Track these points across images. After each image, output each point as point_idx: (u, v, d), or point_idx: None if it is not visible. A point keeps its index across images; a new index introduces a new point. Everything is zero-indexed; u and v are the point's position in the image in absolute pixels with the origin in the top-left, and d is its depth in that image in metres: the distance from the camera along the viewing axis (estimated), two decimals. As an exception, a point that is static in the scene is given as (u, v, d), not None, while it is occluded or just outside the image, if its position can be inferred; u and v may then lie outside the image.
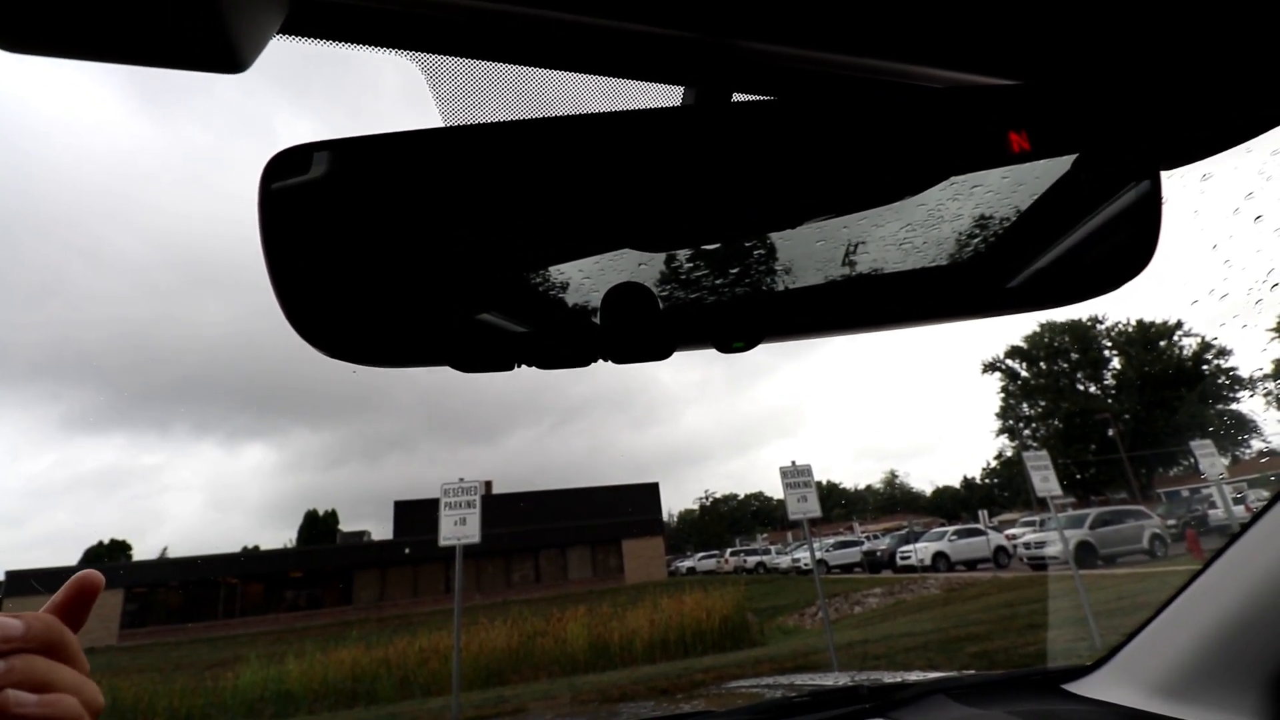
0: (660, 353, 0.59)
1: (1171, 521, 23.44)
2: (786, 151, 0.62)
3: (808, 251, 0.63)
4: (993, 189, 0.67)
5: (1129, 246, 0.65)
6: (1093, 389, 49.02)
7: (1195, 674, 1.10)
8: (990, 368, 53.31)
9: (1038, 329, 50.12)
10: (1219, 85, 0.72)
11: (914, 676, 1.83)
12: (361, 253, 0.58)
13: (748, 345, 0.60)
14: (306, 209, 0.58)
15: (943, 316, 0.69)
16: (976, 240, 0.70)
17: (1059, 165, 0.65)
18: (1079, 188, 0.65)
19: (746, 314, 0.61)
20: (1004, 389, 52.65)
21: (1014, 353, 51.95)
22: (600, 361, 0.57)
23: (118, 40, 0.50)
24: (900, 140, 0.63)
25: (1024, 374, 51.82)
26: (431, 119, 0.68)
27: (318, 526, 57.22)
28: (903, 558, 26.69)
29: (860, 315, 0.65)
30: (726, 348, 0.60)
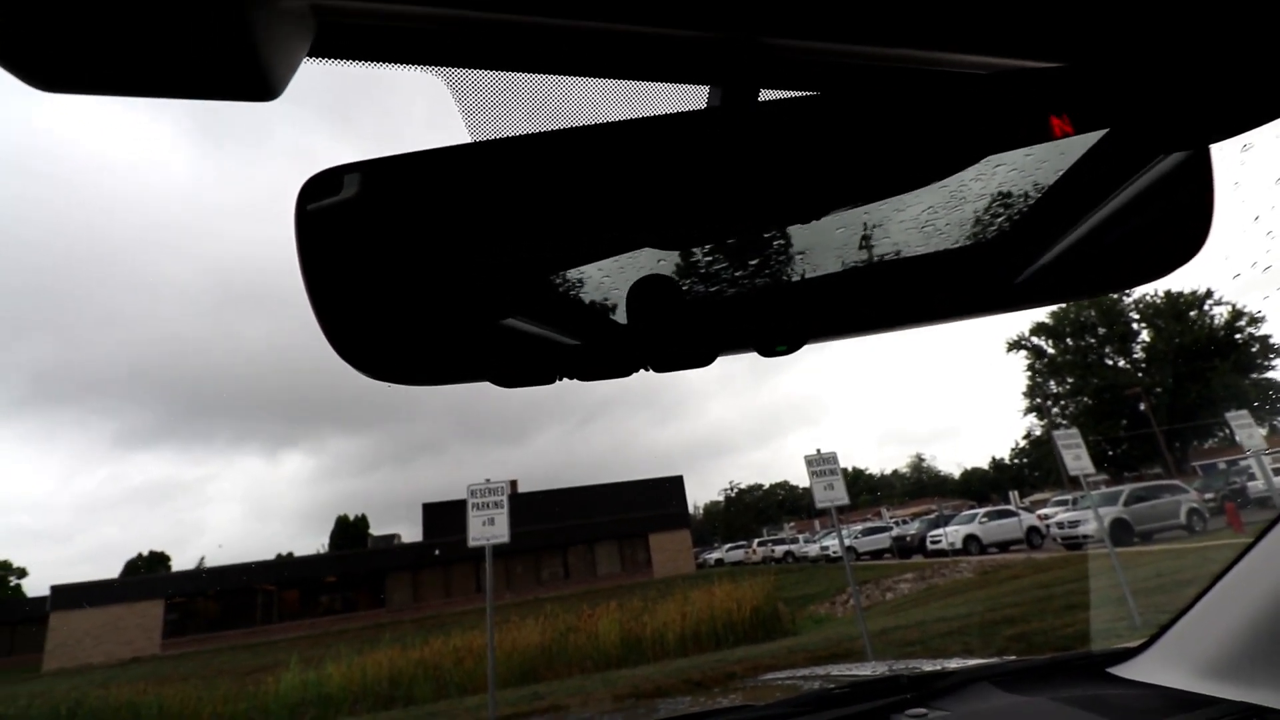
0: (702, 359, 0.58)
1: (1209, 495, 22.94)
2: (817, 148, 0.61)
3: (847, 247, 0.62)
4: (1030, 171, 0.65)
5: (1179, 227, 0.63)
6: (1122, 363, 48.03)
7: (1248, 652, 1.07)
8: (1015, 345, 52.47)
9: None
10: (1269, 51, 0.69)
11: (953, 664, 1.80)
12: (397, 272, 0.58)
13: (791, 348, 0.59)
14: (341, 231, 0.58)
15: (984, 309, 0.67)
16: (1015, 225, 0.68)
17: (1102, 144, 0.63)
18: (1123, 167, 0.63)
19: (789, 316, 0.61)
20: (1030, 367, 51.82)
21: (1039, 329, 51.09)
22: (643, 371, 0.57)
23: (146, 74, 0.50)
24: (937, 129, 0.62)
25: (1050, 351, 50.93)
26: (459, 132, 0.68)
27: (349, 531, 58.11)
28: (933, 542, 26.48)
29: (904, 311, 0.64)
30: (770, 351, 0.59)
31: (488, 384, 0.60)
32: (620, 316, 0.58)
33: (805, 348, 0.60)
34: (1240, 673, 1.07)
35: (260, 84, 0.52)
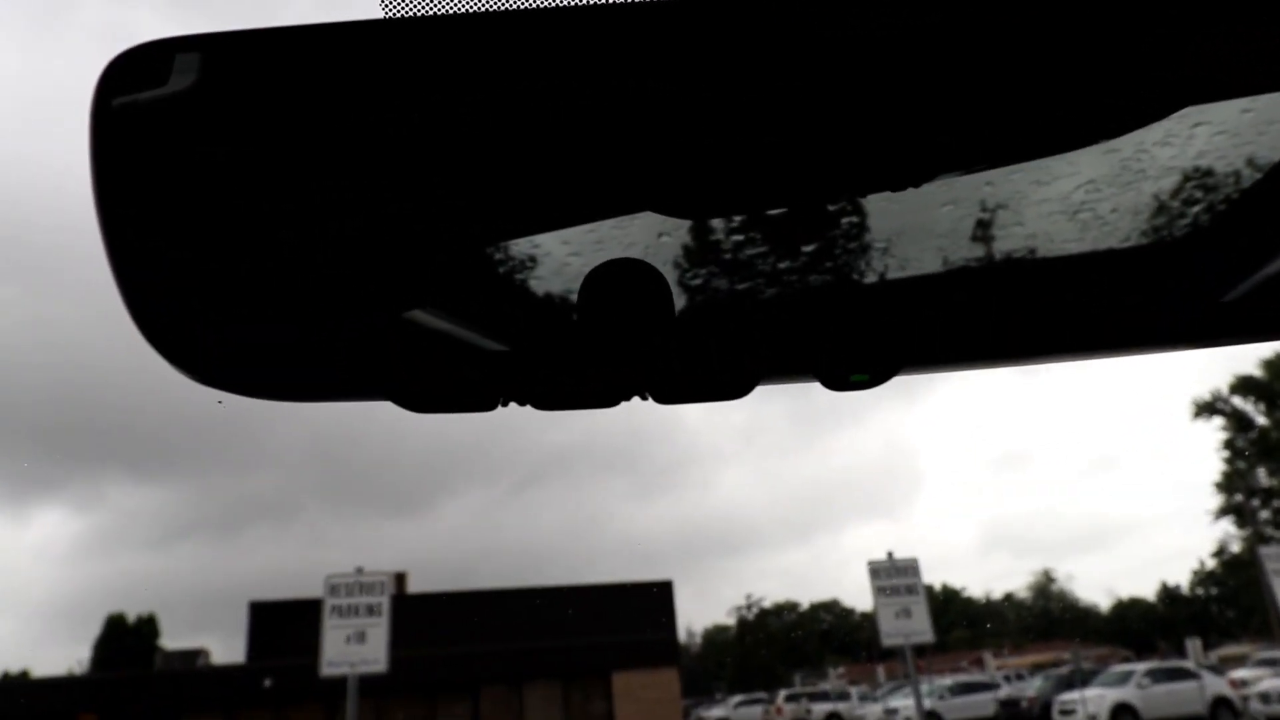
0: (734, 389, 0.58)
1: None
2: (918, 70, 0.62)
3: (957, 234, 0.62)
4: (1248, 137, 0.66)
5: None
6: (1371, 447, 48.86)
7: None
8: (1206, 409, 53.22)
9: (1282, 349, 50.16)
10: None
11: None
12: (254, 213, 0.57)
13: (875, 379, 0.59)
14: (167, 141, 0.57)
15: (1165, 341, 0.68)
16: (1221, 217, 0.69)
17: None
18: None
19: (873, 330, 0.61)
20: (1229, 444, 52.54)
21: (1243, 386, 51.87)
22: (636, 400, 0.56)
23: None
24: (1107, 56, 0.63)
25: (1261, 420, 51.71)
26: (366, 5, 0.68)
27: (125, 641, 57.13)
28: (1063, 711, 26.58)
29: (1045, 337, 0.64)
30: (841, 382, 0.58)
31: (373, 415, 0.59)
32: (602, 316, 0.58)
33: (881, 398, 0.59)
34: None
35: None
